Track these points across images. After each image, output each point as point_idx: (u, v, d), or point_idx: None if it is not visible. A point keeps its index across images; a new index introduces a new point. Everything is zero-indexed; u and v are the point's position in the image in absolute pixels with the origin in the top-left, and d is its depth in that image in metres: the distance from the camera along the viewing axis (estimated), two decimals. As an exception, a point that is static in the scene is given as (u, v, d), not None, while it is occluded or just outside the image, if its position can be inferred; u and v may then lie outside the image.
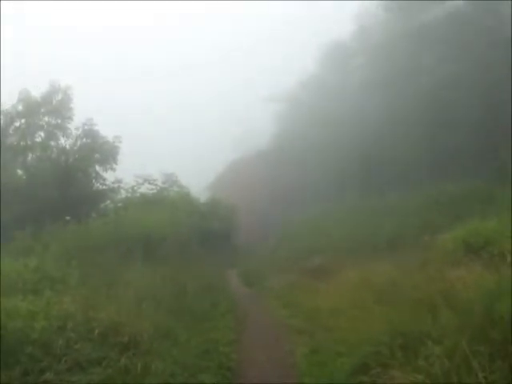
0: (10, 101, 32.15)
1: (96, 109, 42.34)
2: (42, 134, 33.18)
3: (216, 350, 11.70)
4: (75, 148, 33.42)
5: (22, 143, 32.20)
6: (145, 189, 43.03)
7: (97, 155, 33.23)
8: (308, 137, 56.78)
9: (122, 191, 38.15)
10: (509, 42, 32.24)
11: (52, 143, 33.31)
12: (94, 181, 33.67)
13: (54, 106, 33.19)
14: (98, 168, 33.51)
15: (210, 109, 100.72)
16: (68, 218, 26.13)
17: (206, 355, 11.17)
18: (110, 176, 34.44)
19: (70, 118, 33.52)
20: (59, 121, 33.23)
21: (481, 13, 37.44)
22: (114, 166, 33.58)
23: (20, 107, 32.40)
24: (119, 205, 37.10)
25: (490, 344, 7.41)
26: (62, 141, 33.65)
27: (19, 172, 32.67)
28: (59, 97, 33.42)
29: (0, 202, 26.56)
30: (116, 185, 35.93)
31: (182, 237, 28.92)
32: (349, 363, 9.38)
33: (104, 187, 34.58)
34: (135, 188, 41.74)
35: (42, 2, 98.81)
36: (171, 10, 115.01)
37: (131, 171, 39.92)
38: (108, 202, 36.31)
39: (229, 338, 13.33)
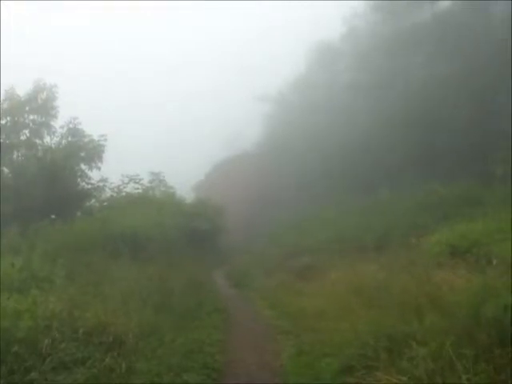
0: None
1: (81, 107, 42.27)
2: (27, 132, 33.12)
3: (201, 350, 11.67)
4: (60, 146, 33.34)
5: (7, 141, 32.12)
6: (130, 188, 43.01)
7: (82, 154, 33.15)
8: (296, 137, 56.87)
9: (108, 190, 38.15)
10: (497, 42, 32.41)
11: (37, 141, 33.24)
12: (79, 179, 33.56)
13: (39, 104, 33.14)
14: (83, 167, 33.42)
15: (197, 108, 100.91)
16: (53, 216, 26.03)
17: (191, 355, 11.12)
18: (95, 175, 34.40)
19: (55, 116, 33.45)
20: (44, 119, 33.18)
21: (470, 13, 37.60)
22: (100, 164, 33.51)
23: (5, 105, 32.32)
24: (104, 204, 37.07)
25: (474, 346, 7.49)
26: (48, 139, 33.63)
27: (5, 170, 32.55)
28: (44, 95, 33.37)
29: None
30: (101, 184, 35.87)
31: (168, 237, 28.97)
32: (334, 364, 9.42)
33: (89, 186, 34.48)
34: (121, 187, 41.71)
35: (40, 1, 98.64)
36: (159, 9, 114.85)
37: (117, 170, 39.89)
38: (93, 201, 36.23)
39: (215, 337, 13.32)
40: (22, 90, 32.75)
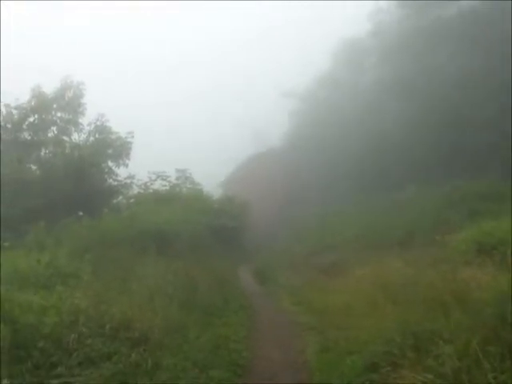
0: (23, 97, 32.46)
1: (109, 105, 42.53)
2: (55, 129, 33.39)
3: (227, 347, 11.71)
4: (88, 143, 33.59)
5: (35, 138, 32.39)
6: (158, 185, 43.27)
7: (109, 151, 33.37)
8: (321, 134, 56.74)
9: (135, 187, 38.37)
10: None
11: (65, 138, 33.51)
12: (106, 176, 33.79)
13: (67, 101, 33.40)
14: (110, 163, 33.66)
15: (223, 105, 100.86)
16: (81, 213, 26.22)
17: (217, 351, 11.16)
18: (122, 172, 34.62)
19: (82, 113, 33.78)
20: (71, 116, 33.44)
21: (494, 11, 37.29)
22: (127, 161, 33.72)
23: (33, 103, 32.57)
24: (132, 201, 37.28)
25: (500, 344, 7.40)
26: (75, 136, 33.93)
27: (33, 167, 32.84)
28: (71, 93, 33.62)
29: (13, 197, 26.76)
30: (129, 180, 36.11)
31: (194, 233, 29.02)
32: (359, 362, 9.36)
33: (116, 183, 34.73)
34: (148, 184, 41.95)
35: (49, 2, 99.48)
36: (184, 5, 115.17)
37: (144, 167, 40.09)
38: (120, 197, 36.46)
39: (240, 334, 13.36)
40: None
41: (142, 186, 40.89)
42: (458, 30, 39.37)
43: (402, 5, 46.73)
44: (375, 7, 51.50)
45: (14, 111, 32.01)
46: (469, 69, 37.17)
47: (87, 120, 33.97)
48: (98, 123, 33.94)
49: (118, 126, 34.63)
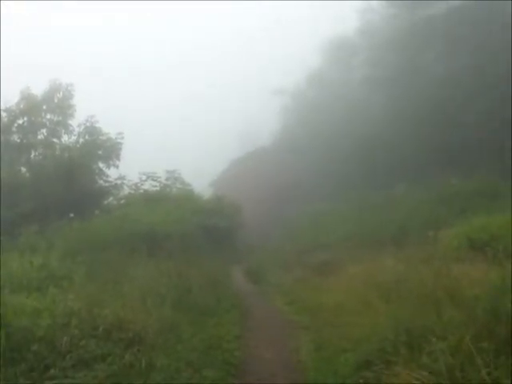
0: (12, 99, 32.37)
1: (98, 106, 42.46)
2: (45, 131, 33.33)
3: (220, 346, 11.68)
4: (78, 145, 33.52)
5: (24, 141, 32.32)
6: (148, 185, 43.09)
7: (99, 152, 33.30)
8: (311, 132, 56.76)
9: (126, 188, 38.27)
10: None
11: (55, 140, 33.46)
12: (97, 177, 33.73)
13: (56, 103, 33.33)
14: (101, 165, 33.60)
15: (213, 105, 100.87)
16: (72, 215, 26.17)
17: (210, 351, 11.14)
18: (113, 173, 34.57)
19: (72, 115, 33.71)
20: (61, 118, 33.38)
21: (482, 11, 37.45)
22: (117, 162, 33.67)
23: (22, 105, 32.49)
24: (122, 201, 37.19)
25: (494, 340, 7.41)
26: (65, 138, 33.86)
27: (23, 170, 32.78)
28: (60, 94, 33.55)
29: (4, 200, 26.68)
30: (119, 181, 36.04)
31: (186, 234, 28.96)
32: (353, 359, 9.39)
33: (107, 184, 34.66)
34: (138, 185, 41.80)
35: (43, 1, 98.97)
36: (174, 8, 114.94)
37: (134, 168, 40.02)
38: (111, 198, 36.40)
39: (233, 333, 13.31)
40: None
41: (133, 187, 40.72)
42: (446, 30, 39.48)
43: (390, 4, 46.82)
44: (364, 6, 51.68)
45: (4, 114, 31.94)
46: (457, 68, 37.32)
47: (77, 121, 33.95)
48: (88, 124, 33.88)
49: (108, 127, 34.62)
